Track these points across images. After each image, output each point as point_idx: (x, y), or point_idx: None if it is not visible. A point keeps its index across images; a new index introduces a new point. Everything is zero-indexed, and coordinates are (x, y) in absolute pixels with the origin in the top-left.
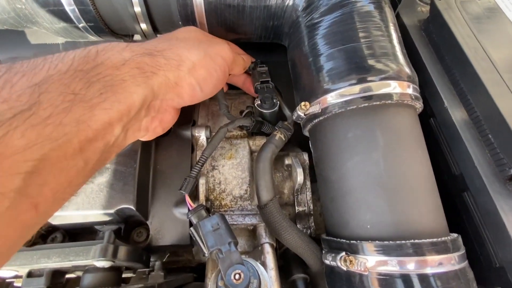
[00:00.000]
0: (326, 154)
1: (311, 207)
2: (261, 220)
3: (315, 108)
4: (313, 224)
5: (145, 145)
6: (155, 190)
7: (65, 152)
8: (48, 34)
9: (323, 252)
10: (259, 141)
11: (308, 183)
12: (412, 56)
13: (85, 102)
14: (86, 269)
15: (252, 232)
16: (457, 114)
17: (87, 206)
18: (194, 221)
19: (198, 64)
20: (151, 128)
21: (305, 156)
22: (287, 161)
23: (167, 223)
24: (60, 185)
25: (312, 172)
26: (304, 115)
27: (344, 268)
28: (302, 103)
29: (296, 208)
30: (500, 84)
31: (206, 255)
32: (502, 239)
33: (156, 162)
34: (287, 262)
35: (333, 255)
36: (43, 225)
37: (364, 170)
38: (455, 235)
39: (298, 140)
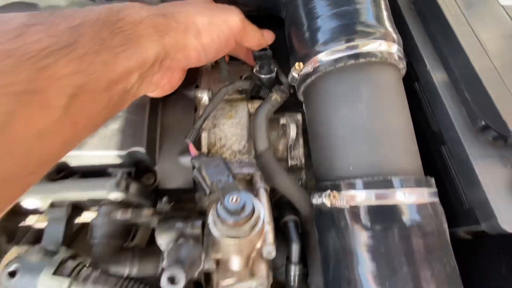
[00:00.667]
0: (317, 110)
1: (303, 161)
2: (257, 170)
3: (308, 69)
4: (304, 176)
5: (154, 100)
6: (162, 141)
7: (96, 86)
8: None
9: (311, 195)
10: (257, 104)
11: (301, 140)
12: (401, 26)
13: (110, 49)
14: (101, 204)
15: (250, 182)
16: (438, 76)
17: (102, 147)
18: (197, 164)
19: (202, 30)
20: (160, 85)
21: (299, 116)
22: (282, 121)
23: (173, 169)
24: (91, 113)
25: (305, 132)
26: (298, 75)
27: (329, 204)
28: (296, 64)
29: (289, 162)
30: (477, 47)
31: (207, 191)
32: (472, 183)
33: (163, 117)
34: (280, 209)
35: (319, 193)
36: (76, 143)
37: (349, 120)
38: (429, 176)
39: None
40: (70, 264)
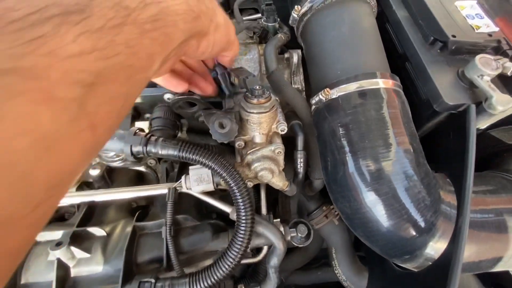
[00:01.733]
0: (313, 38)
1: (303, 85)
2: (266, 88)
3: (304, 9)
4: (304, 96)
5: None
6: None
7: (117, 74)
8: None
9: (311, 99)
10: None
11: (301, 68)
12: None
13: (137, 25)
14: (157, 106)
15: None
16: (401, 13)
17: None
18: (219, 71)
19: (220, 24)
20: (163, 70)
21: (299, 51)
22: (286, 55)
23: None
24: (111, 112)
25: (303, 67)
26: (297, 16)
27: (324, 99)
28: (296, 6)
29: (293, 86)
30: None
31: (227, 92)
32: (427, 79)
33: None
34: (287, 118)
35: (316, 94)
36: (94, 156)
37: (336, 38)
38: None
39: None
40: (142, 133)
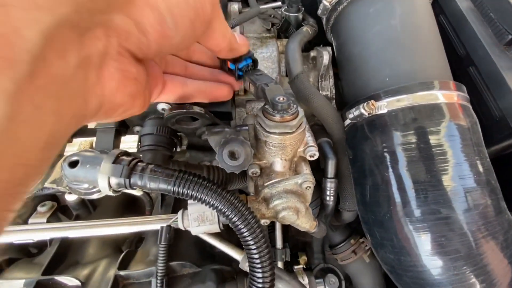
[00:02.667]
0: (350, 33)
1: (333, 92)
2: (291, 96)
3: None
4: (334, 106)
5: None
6: None
7: None
8: None
9: (345, 113)
10: (286, 42)
11: (331, 71)
12: None
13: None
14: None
15: None
16: (464, 4)
17: None
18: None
19: None
20: (100, 92)
21: (329, 49)
22: (312, 54)
23: None
24: None
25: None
26: (330, 4)
27: (367, 114)
28: None
29: (321, 92)
30: None
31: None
32: (503, 92)
33: None
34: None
35: (356, 107)
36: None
37: (383, 35)
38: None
39: None
40: (126, 158)
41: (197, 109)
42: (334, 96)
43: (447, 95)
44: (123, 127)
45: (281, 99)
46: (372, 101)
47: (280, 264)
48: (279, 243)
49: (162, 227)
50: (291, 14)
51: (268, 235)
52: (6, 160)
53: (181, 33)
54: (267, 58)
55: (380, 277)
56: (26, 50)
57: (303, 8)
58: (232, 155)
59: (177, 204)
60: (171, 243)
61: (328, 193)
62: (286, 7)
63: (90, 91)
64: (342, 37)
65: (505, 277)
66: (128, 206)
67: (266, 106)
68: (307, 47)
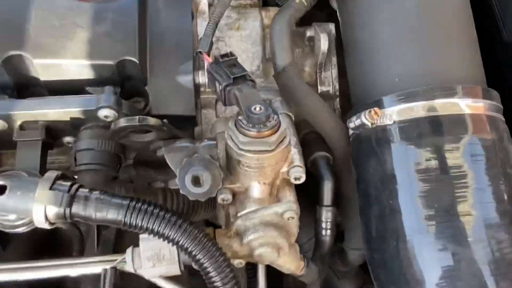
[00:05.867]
0: (357, 12)
1: (337, 87)
2: (276, 95)
3: None
4: (338, 106)
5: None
6: (152, 53)
7: None
8: None
9: (347, 120)
10: (273, 13)
11: (334, 59)
12: None
13: None
14: (84, 127)
15: None
16: None
17: (85, 56)
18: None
19: None
20: None
21: (331, 26)
22: (309, 33)
23: (169, 91)
24: None
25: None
26: None
27: (370, 124)
28: None
29: (319, 88)
30: None
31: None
32: None
33: (151, 23)
34: (307, 145)
35: (357, 114)
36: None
37: (396, 21)
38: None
39: None
40: (64, 182)
41: (152, 121)
42: (337, 93)
43: (473, 105)
44: (49, 137)
45: (258, 109)
46: (375, 108)
47: None
48: None
49: (105, 270)
50: None
51: (248, 282)
52: None
53: None
54: (246, 38)
55: None
56: None
57: None
58: (196, 181)
59: (120, 241)
60: None
61: (323, 225)
62: None
63: None
64: (348, 14)
65: None
66: (49, 242)
67: (239, 118)
68: (306, 18)
